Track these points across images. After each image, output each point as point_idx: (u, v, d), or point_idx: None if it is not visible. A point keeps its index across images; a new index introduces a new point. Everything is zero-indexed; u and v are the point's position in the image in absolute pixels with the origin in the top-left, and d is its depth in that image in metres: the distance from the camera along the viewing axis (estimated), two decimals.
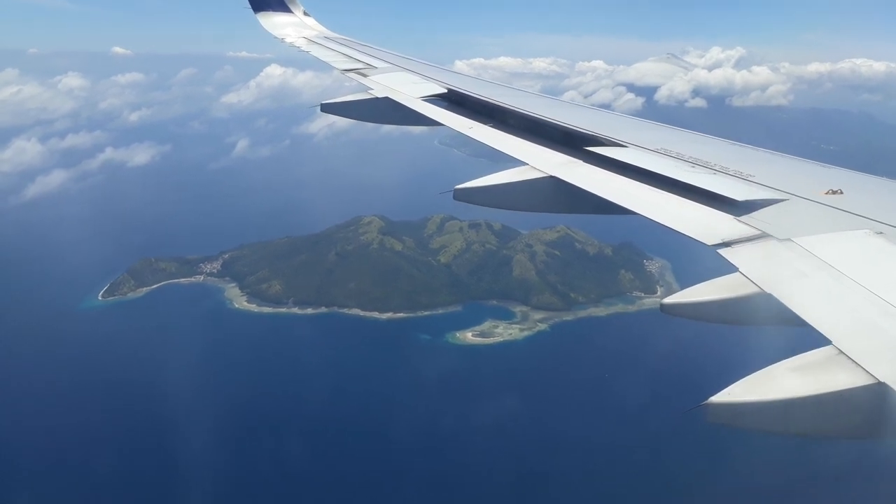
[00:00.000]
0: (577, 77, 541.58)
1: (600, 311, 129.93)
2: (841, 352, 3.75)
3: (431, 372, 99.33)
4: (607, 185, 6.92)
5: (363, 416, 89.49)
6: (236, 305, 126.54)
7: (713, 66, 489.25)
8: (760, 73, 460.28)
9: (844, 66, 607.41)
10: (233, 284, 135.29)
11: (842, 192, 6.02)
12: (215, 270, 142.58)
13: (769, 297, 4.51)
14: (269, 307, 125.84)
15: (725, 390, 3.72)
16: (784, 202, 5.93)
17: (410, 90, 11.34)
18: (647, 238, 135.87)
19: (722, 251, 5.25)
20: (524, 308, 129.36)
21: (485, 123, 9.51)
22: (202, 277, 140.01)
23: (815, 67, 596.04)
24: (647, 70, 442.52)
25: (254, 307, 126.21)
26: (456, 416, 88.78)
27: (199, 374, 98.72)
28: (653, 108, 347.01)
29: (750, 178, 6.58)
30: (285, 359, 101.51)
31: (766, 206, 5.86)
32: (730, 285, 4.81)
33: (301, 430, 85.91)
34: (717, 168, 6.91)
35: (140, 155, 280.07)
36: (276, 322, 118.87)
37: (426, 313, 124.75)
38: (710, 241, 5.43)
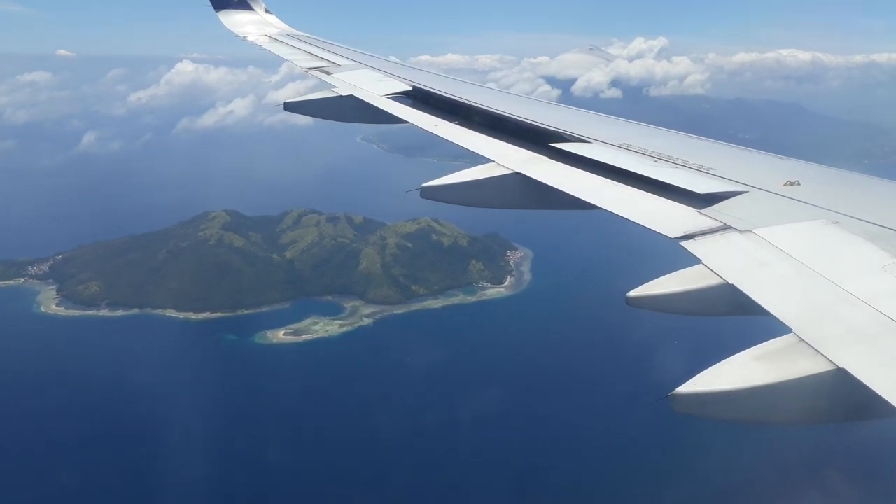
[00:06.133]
0: (505, 70, 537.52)
1: (437, 303, 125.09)
2: (801, 339, 3.80)
3: (212, 374, 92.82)
4: (572, 180, 6.96)
5: (118, 421, 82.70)
6: (43, 309, 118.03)
7: (635, 56, 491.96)
8: (680, 63, 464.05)
9: (770, 56, 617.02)
10: (52, 287, 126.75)
11: (799, 184, 6.04)
12: (41, 273, 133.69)
13: (732, 287, 4.56)
14: (79, 310, 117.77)
15: (691, 380, 3.71)
16: (744, 194, 5.96)
17: (375, 88, 11.28)
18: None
19: (685, 243, 5.26)
20: (358, 303, 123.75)
21: (450, 121, 9.49)
22: (24, 280, 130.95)
23: (739, 58, 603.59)
24: (568, 62, 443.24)
25: (62, 310, 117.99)
26: (218, 418, 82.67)
27: None
28: (569, 99, 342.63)
29: (711, 172, 6.58)
30: (58, 364, 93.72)
31: (726, 199, 5.89)
32: (693, 277, 4.84)
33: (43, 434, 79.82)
34: (678, 162, 6.92)
35: None
36: (75, 326, 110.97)
37: (248, 312, 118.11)
38: (673, 233, 5.43)
